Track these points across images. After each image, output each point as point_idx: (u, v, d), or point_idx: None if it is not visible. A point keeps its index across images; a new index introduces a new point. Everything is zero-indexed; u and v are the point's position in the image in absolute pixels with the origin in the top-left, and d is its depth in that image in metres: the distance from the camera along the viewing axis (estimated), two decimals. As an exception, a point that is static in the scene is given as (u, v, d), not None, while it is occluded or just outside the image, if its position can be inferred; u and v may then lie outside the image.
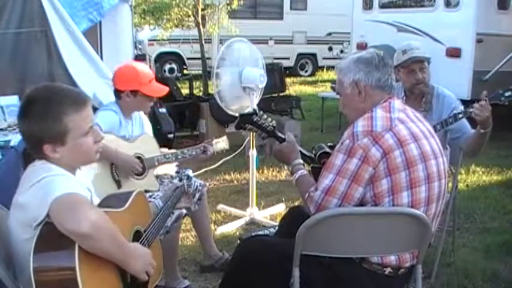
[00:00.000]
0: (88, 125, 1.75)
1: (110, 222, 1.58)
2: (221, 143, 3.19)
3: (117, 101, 2.92)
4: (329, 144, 2.41)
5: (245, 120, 2.32)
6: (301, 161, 2.25)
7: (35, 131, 1.68)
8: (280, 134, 2.33)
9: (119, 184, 2.83)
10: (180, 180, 2.45)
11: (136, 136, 3.00)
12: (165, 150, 3.17)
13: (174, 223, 2.82)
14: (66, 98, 1.72)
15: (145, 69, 2.98)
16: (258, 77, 3.96)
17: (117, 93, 2.91)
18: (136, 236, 1.86)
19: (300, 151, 2.34)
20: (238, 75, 3.98)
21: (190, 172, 2.89)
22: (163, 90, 3.00)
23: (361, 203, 1.95)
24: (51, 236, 1.53)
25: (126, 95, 2.87)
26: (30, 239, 1.54)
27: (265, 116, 2.32)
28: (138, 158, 2.91)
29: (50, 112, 1.67)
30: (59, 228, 1.50)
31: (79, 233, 1.48)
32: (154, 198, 2.83)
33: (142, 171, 2.92)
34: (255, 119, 2.30)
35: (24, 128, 1.71)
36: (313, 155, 2.41)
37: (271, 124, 2.31)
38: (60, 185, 1.58)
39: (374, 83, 2.05)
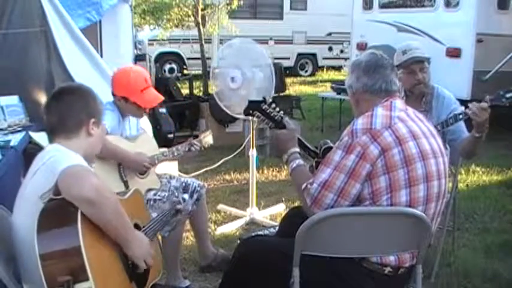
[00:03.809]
0: None
1: (113, 193, 1.64)
2: (208, 137, 3.21)
3: (114, 101, 2.93)
4: (333, 143, 2.41)
5: (254, 107, 2.32)
6: (298, 150, 2.24)
7: (89, 104, 1.89)
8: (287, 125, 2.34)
9: (126, 184, 2.84)
10: (177, 197, 2.48)
11: (136, 135, 3.02)
12: (164, 149, 3.17)
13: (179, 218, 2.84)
14: None
15: (140, 76, 2.89)
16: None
17: (113, 95, 2.93)
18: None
19: (305, 145, 2.36)
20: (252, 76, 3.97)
21: (186, 196, 2.93)
22: (156, 100, 2.94)
23: (359, 200, 1.95)
24: (54, 213, 1.56)
25: (117, 99, 2.89)
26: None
27: (273, 105, 2.32)
28: None
29: (96, 95, 1.94)
30: (65, 195, 1.54)
31: (83, 198, 1.52)
32: (156, 196, 2.87)
33: (145, 170, 2.93)
34: (263, 107, 2.30)
35: (78, 99, 1.88)
36: (318, 150, 2.42)
37: (279, 114, 2.30)
38: (65, 160, 1.65)
39: (361, 88, 2.08)
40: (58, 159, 1.68)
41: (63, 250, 1.51)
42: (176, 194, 2.95)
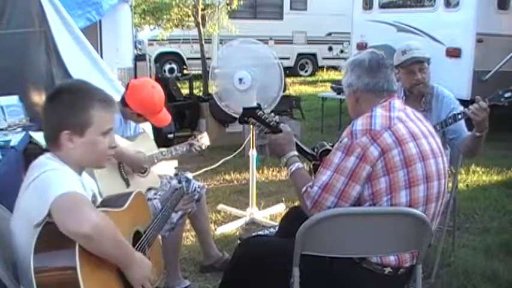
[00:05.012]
0: (108, 126, 1.79)
1: (112, 224, 1.58)
2: (204, 138, 3.26)
3: (118, 103, 2.91)
4: (330, 144, 2.41)
5: (249, 114, 2.30)
6: (296, 153, 2.24)
7: (59, 116, 1.71)
8: None
9: (127, 182, 2.86)
10: (179, 182, 2.45)
11: (135, 134, 3.05)
12: (163, 149, 3.19)
13: (179, 219, 2.84)
14: (97, 94, 1.77)
15: (162, 98, 3.01)
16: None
17: (125, 104, 2.94)
18: (137, 236, 1.86)
19: (302, 148, 2.35)
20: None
21: (189, 175, 2.90)
22: (167, 120, 3.07)
23: (359, 202, 1.95)
24: (52, 236, 1.52)
25: (131, 112, 2.93)
26: (33, 240, 1.54)
27: (268, 111, 2.31)
28: None
29: (78, 101, 1.72)
30: (61, 228, 1.50)
31: (80, 234, 1.48)
32: (157, 195, 2.86)
33: (143, 171, 2.95)
34: (258, 113, 2.28)
35: (49, 112, 1.74)
36: (315, 153, 2.41)
37: (274, 119, 2.29)
38: (58, 183, 1.58)
39: (363, 87, 2.07)
40: (50, 178, 1.60)
41: (58, 268, 1.50)
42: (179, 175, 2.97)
